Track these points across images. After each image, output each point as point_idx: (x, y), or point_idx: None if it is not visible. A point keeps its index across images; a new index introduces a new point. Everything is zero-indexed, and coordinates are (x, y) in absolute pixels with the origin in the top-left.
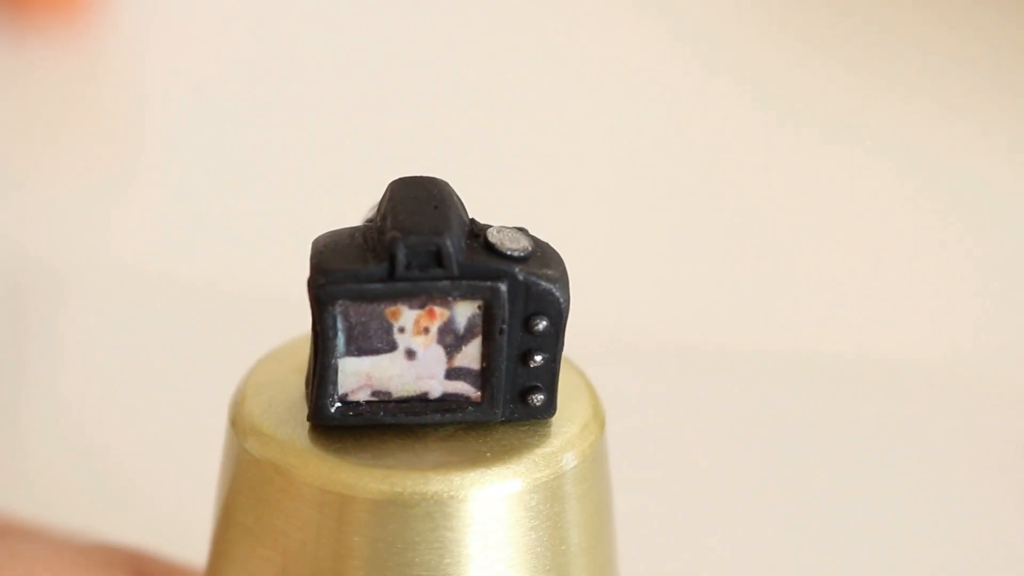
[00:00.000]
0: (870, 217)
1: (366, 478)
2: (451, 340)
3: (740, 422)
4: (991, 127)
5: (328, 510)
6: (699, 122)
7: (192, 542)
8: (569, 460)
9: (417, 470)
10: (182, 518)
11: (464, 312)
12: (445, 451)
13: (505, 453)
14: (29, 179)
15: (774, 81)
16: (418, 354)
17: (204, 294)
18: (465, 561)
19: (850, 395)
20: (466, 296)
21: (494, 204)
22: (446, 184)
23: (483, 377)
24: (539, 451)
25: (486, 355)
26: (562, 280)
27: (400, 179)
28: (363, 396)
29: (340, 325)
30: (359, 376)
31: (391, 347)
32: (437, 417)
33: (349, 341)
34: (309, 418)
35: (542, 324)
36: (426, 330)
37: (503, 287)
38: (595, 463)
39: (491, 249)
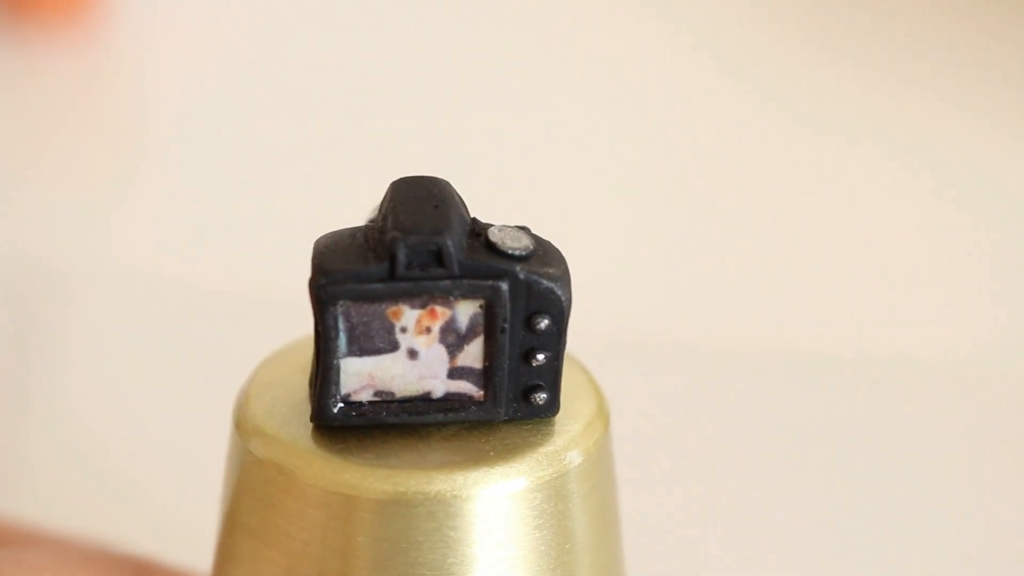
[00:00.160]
0: (874, 215)
1: (370, 478)
2: (453, 339)
3: (745, 420)
4: (996, 125)
5: (332, 511)
6: (702, 119)
7: (197, 544)
8: (573, 458)
9: (421, 470)
10: (187, 520)
11: (466, 311)
12: (448, 450)
13: (509, 452)
14: (32, 182)
15: (778, 79)
16: (420, 354)
17: (207, 296)
18: (469, 560)
19: (855, 393)
20: (467, 295)
21: (495, 203)
22: (447, 183)
23: (486, 376)
24: (543, 449)
25: (488, 354)
26: (564, 279)
27: (401, 179)
28: (366, 396)
29: (342, 325)
30: (361, 376)
31: (393, 347)
32: (440, 417)
33: (351, 341)
34: (312, 419)
35: (544, 323)
36: (428, 330)
37: (504, 286)
38: (599, 461)
39: (492, 248)
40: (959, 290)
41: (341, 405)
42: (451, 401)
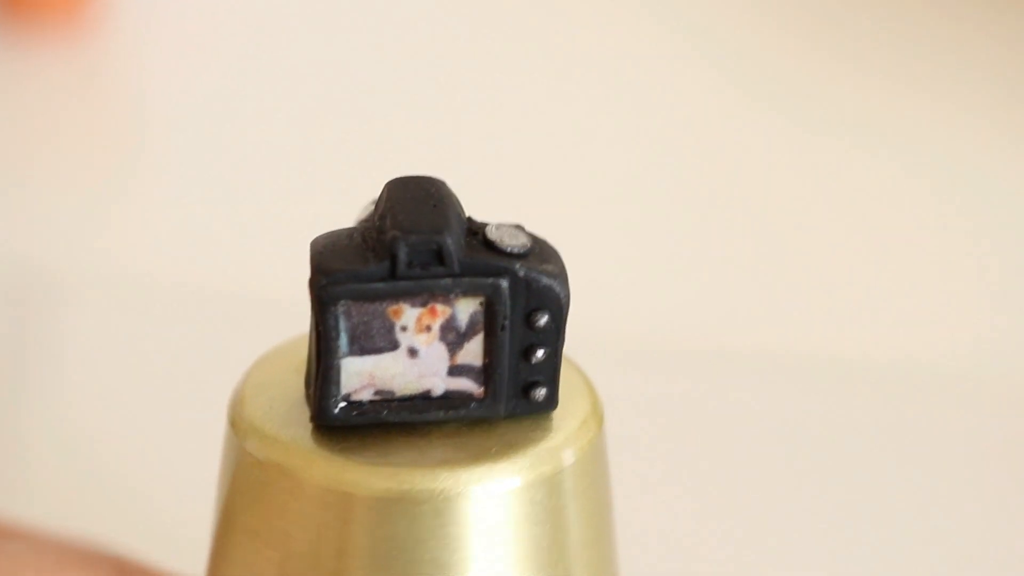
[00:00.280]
0: (873, 218)
1: (371, 476)
2: (453, 337)
3: (742, 422)
4: (996, 128)
5: (330, 508)
6: (699, 119)
7: (192, 545)
8: (569, 456)
9: (420, 467)
10: (182, 521)
11: (466, 309)
12: (448, 448)
13: (507, 449)
14: (27, 183)
15: (783, 83)
16: (420, 352)
17: (202, 297)
18: (466, 558)
19: (853, 396)
20: (468, 293)
21: (489, 206)
22: (443, 183)
23: (485, 373)
24: (540, 447)
25: (488, 351)
26: (562, 275)
27: (397, 179)
28: (366, 396)
29: (342, 325)
30: (362, 376)
31: (393, 346)
32: (440, 414)
33: (352, 341)
34: (313, 419)
35: (543, 319)
36: (428, 328)
37: (504, 283)
38: (594, 458)
39: (491, 246)
40: (958, 294)
41: (342, 405)
42: (451, 399)
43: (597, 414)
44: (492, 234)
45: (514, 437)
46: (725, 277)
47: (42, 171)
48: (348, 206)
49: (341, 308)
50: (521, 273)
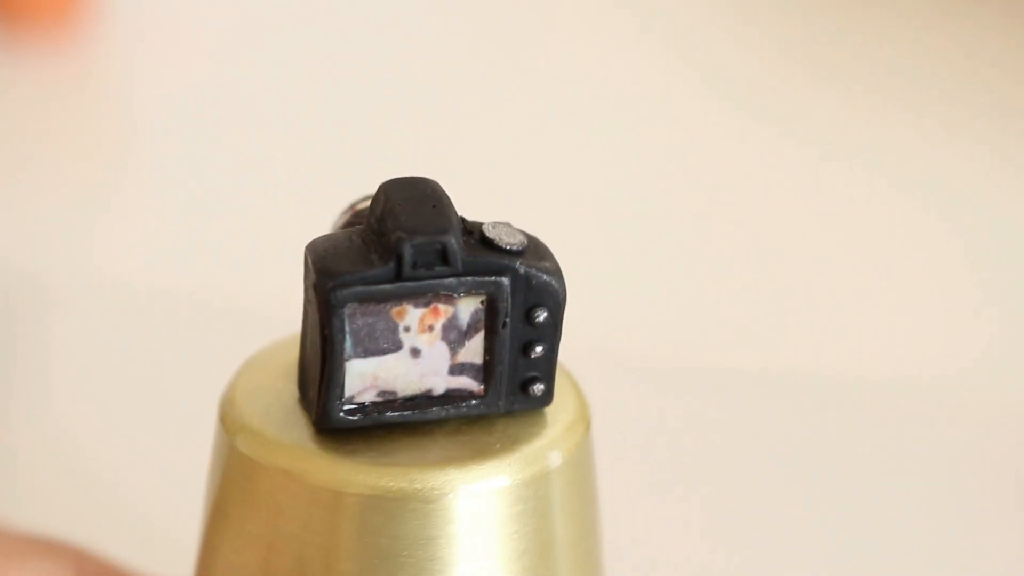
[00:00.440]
0: (867, 236)
1: (360, 475)
2: (455, 336)
3: (733, 436)
4: (992, 144)
5: (321, 506)
6: (692, 135)
7: (181, 544)
8: (555, 458)
9: (409, 466)
10: (172, 522)
11: (467, 308)
12: (447, 446)
13: (492, 450)
14: (16, 190)
15: (776, 101)
16: (423, 352)
17: (190, 302)
18: (455, 556)
19: (842, 412)
20: (471, 292)
21: (483, 212)
22: (437, 184)
23: (486, 371)
24: (526, 448)
25: (488, 349)
26: (558, 272)
27: (393, 180)
28: (369, 397)
29: (348, 328)
30: (365, 377)
31: (397, 347)
32: (441, 413)
33: (356, 343)
34: (315, 423)
35: (542, 315)
36: (430, 328)
37: (506, 281)
38: (581, 461)
39: (490, 245)
40: (951, 310)
41: (346, 407)
42: (452, 397)
43: (584, 418)
44: (490, 232)
45: (500, 439)
46: (719, 293)
47: (30, 178)
48: (334, 214)
49: (347, 311)
50: (521, 270)
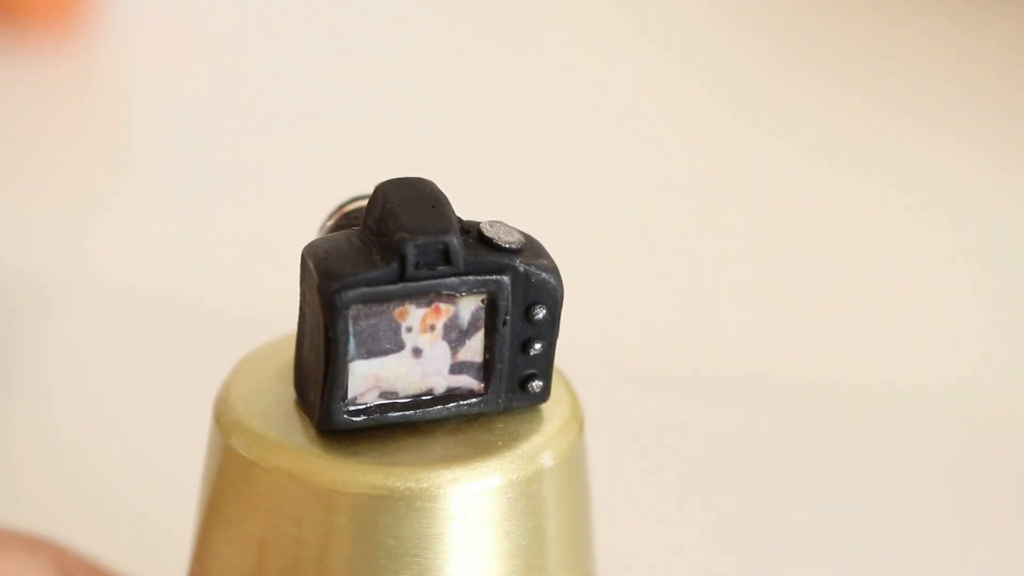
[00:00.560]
0: (863, 243)
1: (355, 474)
2: (455, 335)
3: (728, 441)
4: (993, 148)
5: (316, 505)
6: (690, 140)
7: (176, 543)
8: (548, 458)
9: (404, 466)
10: (169, 521)
11: (468, 307)
12: (439, 446)
13: (485, 451)
14: (14, 192)
15: (772, 103)
16: (424, 352)
17: (186, 304)
18: (449, 555)
19: (835, 416)
20: (472, 291)
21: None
22: (434, 184)
23: (486, 369)
24: (519, 449)
25: (488, 347)
26: (555, 269)
27: (389, 181)
28: (371, 398)
29: (352, 329)
30: (367, 378)
31: (399, 347)
32: (443, 411)
33: (359, 344)
34: (318, 425)
35: (541, 313)
36: (432, 327)
37: (506, 280)
38: (573, 462)
39: (489, 243)
40: (947, 317)
41: (348, 409)
42: (452, 396)
43: (577, 419)
44: (488, 231)
45: (492, 439)
46: (715, 295)
47: (30, 178)
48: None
49: (351, 312)
50: (521, 269)
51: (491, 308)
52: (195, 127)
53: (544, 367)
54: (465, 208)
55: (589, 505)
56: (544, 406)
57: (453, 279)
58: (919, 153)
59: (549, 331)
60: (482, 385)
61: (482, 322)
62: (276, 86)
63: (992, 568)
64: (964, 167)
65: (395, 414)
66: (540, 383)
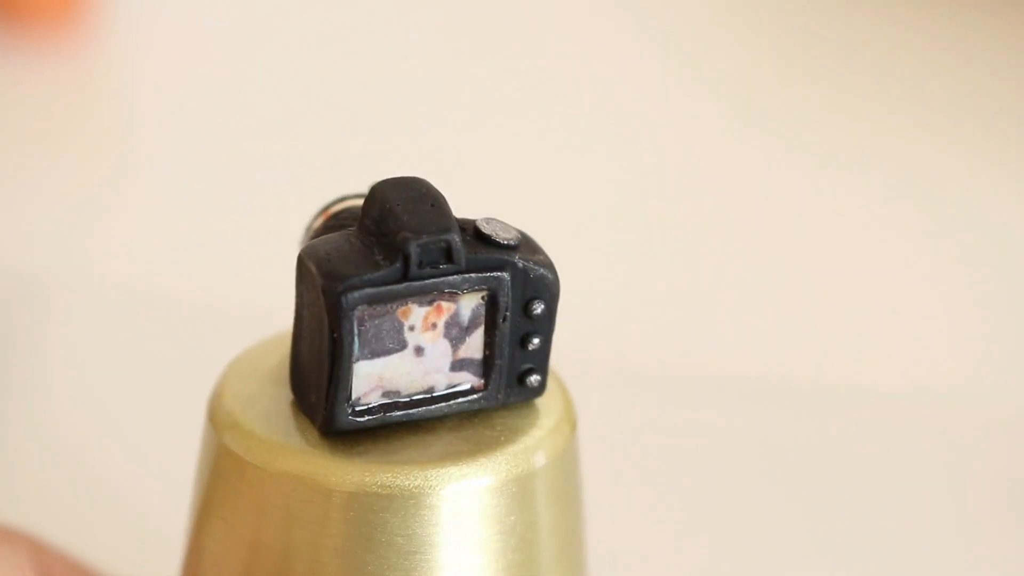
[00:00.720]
0: (862, 245)
1: (347, 471)
2: (456, 333)
3: (726, 444)
4: (994, 152)
5: (308, 502)
6: (689, 143)
7: (173, 541)
8: (540, 457)
9: (395, 464)
10: (167, 520)
11: (469, 304)
12: (442, 444)
13: (471, 452)
14: (14, 191)
15: (772, 103)
16: (426, 350)
17: (184, 304)
18: (440, 553)
19: (832, 418)
20: (474, 288)
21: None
22: (430, 183)
23: (485, 365)
24: (512, 448)
25: (488, 344)
26: (551, 264)
27: (386, 181)
28: (374, 398)
29: (356, 330)
30: (371, 378)
31: (402, 346)
32: (444, 409)
33: (363, 345)
34: (321, 427)
35: (540, 308)
36: (433, 325)
37: (507, 276)
38: (566, 461)
39: (487, 240)
40: (945, 320)
41: (353, 410)
42: (453, 393)
43: (570, 418)
44: (485, 228)
45: (485, 438)
46: (711, 297)
47: (30, 178)
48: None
49: (356, 313)
50: (520, 265)
51: (491, 305)
52: (195, 127)
53: (541, 361)
54: (456, 206)
55: (581, 504)
56: (539, 403)
57: (455, 277)
58: (920, 155)
59: (546, 326)
60: (482, 381)
61: (482, 319)
62: (276, 87)
63: (991, 568)
64: (964, 168)
65: (398, 413)
66: (538, 377)
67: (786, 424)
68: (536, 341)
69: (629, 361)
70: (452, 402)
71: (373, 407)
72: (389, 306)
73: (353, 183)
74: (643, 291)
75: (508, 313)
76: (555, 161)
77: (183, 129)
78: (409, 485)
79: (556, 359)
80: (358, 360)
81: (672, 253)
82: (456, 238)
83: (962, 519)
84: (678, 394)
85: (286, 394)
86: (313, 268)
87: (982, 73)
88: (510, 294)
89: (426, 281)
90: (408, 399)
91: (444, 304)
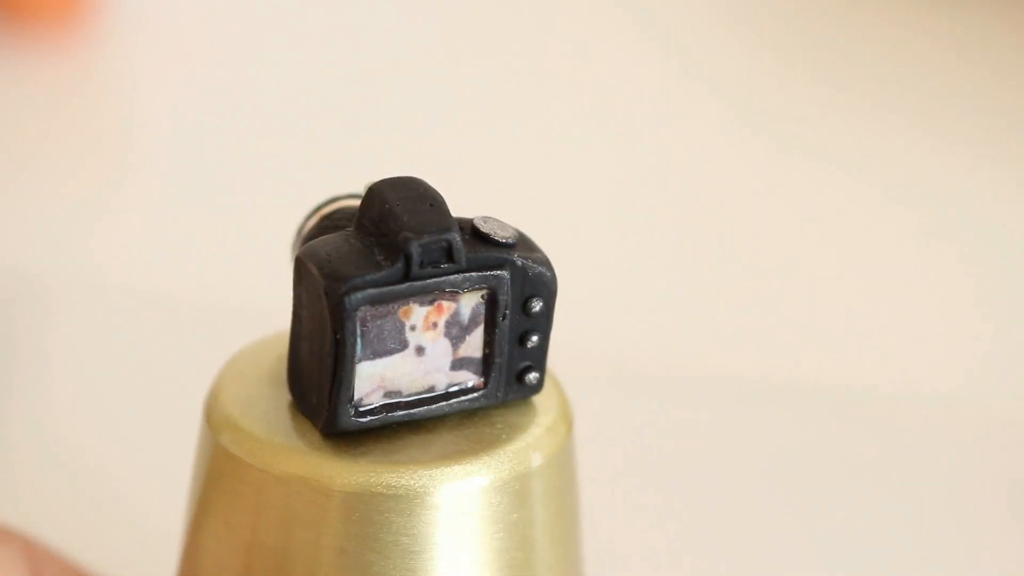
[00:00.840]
0: (860, 245)
1: (345, 471)
2: (456, 332)
3: (723, 444)
4: (994, 153)
5: (306, 502)
6: (688, 144)
7: (171, 540)
8: (537, 457)
9: (393, 464)
10: (167, 520)
11: (469, 303)
12: (443, 443)
13: (474, 450)
14: (15, 191)
15: (772, 103)
16: (427, 350)
17: (189, 304)
18: (437, 553)
19: (830, 420)
20: (474, 287)
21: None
22: (427, 183)
23: (485, 364)
24: (513, 445)
25: (488, 342)
26: (548, 262)
27: (383, 181)
28: (376, 398)
29: (359, 331)
30: (372, 379)
31: (403, 346)
32: (445, 408)
33: (365, 345)
34: (324, 428)
35: (538, 306)
36: (434, 325)
37: (506, 274)
38: (561, 462)
39: (486, 239)
40: (944, 321)
41: (355, 411)
42: (454, 392)
43: (566, 419)
44: (483, 227)
45: (481, 438)
46: (709, 297)
47: (30, 178)
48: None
49: (359, 314)
50: (519, 263)
51: (491, 303)
52: (195, 127)
53: (539, 359)
54: (451, 206)
55: (578, 503)
56: (536, 400)
57: (457, 276)
58: (920, 155)
59: (545, 323)
60: (482, 380)
61: (482, 317)
62: (276, 87)
63: (991, 568)
64: (965, 169)
65: (400, 413)
66: (536, 375)
67: (786, 424)
68: (534, 339)
69: (628, 361)
70: (453, 401)
71: (375, 407)
72: (391, 306)
73: (352, 183)
74: (642, 290)
75: (507, 311)
76: (552, 161)
77: (183, 129)
78: (414, 485)
79: (554, 358)
80: (360, 361)
81: (671, 252)
82: (457, 237)
83: (962, 519)
84: (677, 394)
85: (284, 395)
86: (314, 269)
87: (982, 73)
88: (510, 292)
89: (428, 281)
90: (409, 399)
91: (445, 303)
